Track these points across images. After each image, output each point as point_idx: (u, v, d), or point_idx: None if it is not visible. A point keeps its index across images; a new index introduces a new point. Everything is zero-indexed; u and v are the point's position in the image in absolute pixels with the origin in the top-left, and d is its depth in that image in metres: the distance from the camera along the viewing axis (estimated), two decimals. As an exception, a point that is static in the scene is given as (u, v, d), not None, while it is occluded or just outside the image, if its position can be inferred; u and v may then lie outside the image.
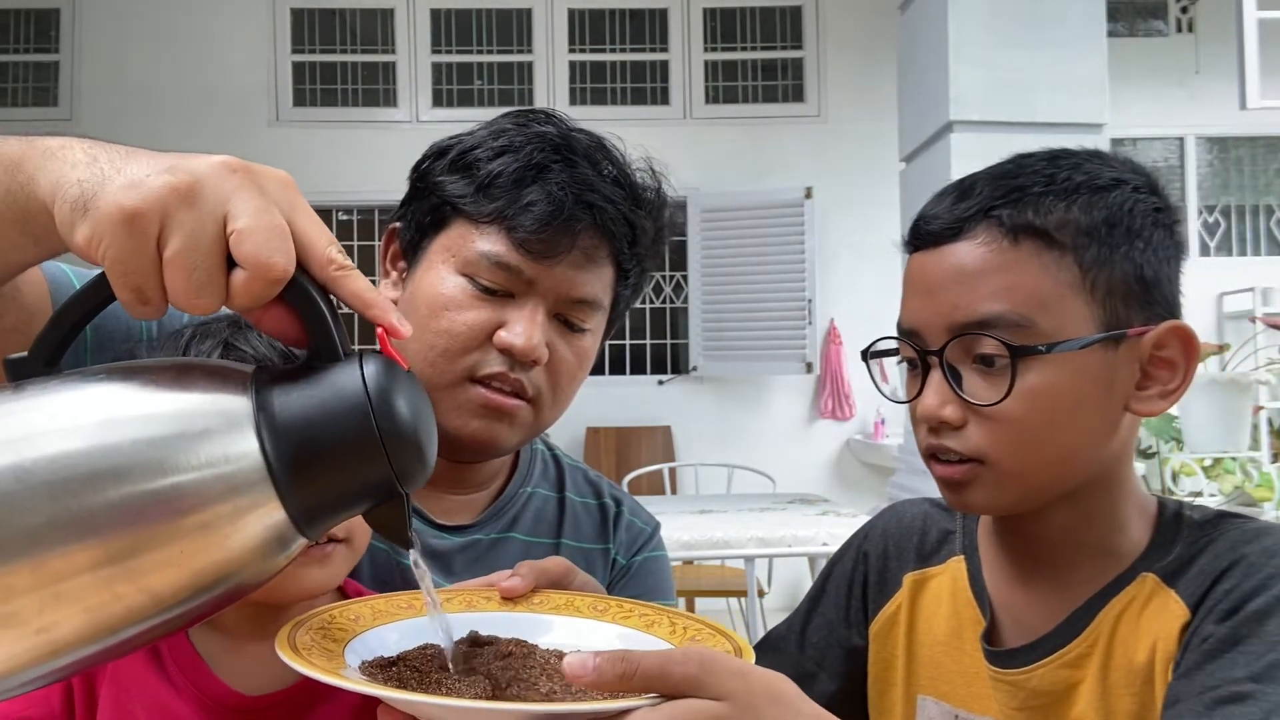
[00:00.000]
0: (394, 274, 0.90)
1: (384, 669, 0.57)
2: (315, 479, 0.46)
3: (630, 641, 0.64)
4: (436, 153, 0.87)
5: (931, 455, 0.73)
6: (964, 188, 0.74)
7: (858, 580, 0.88)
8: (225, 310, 0.74)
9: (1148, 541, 0.73)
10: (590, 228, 0.82)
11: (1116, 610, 0.71)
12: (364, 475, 0.47)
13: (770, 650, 0.90)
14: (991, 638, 0.78)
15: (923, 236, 0.74)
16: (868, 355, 0.80)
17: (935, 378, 0.71)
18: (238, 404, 0.46)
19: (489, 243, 0.81)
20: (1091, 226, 0.69)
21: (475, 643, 0.62)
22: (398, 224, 0.90)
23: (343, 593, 0.78)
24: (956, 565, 0.83)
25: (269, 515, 0.45)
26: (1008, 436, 0.69)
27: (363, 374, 0.47)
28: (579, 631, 0.66)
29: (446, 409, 0.82)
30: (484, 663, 0.59)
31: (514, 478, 0.96)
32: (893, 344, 0.78)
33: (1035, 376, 0.68)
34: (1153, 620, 0.70)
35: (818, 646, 0.88)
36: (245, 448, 0.45)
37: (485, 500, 0.94)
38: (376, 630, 0.62)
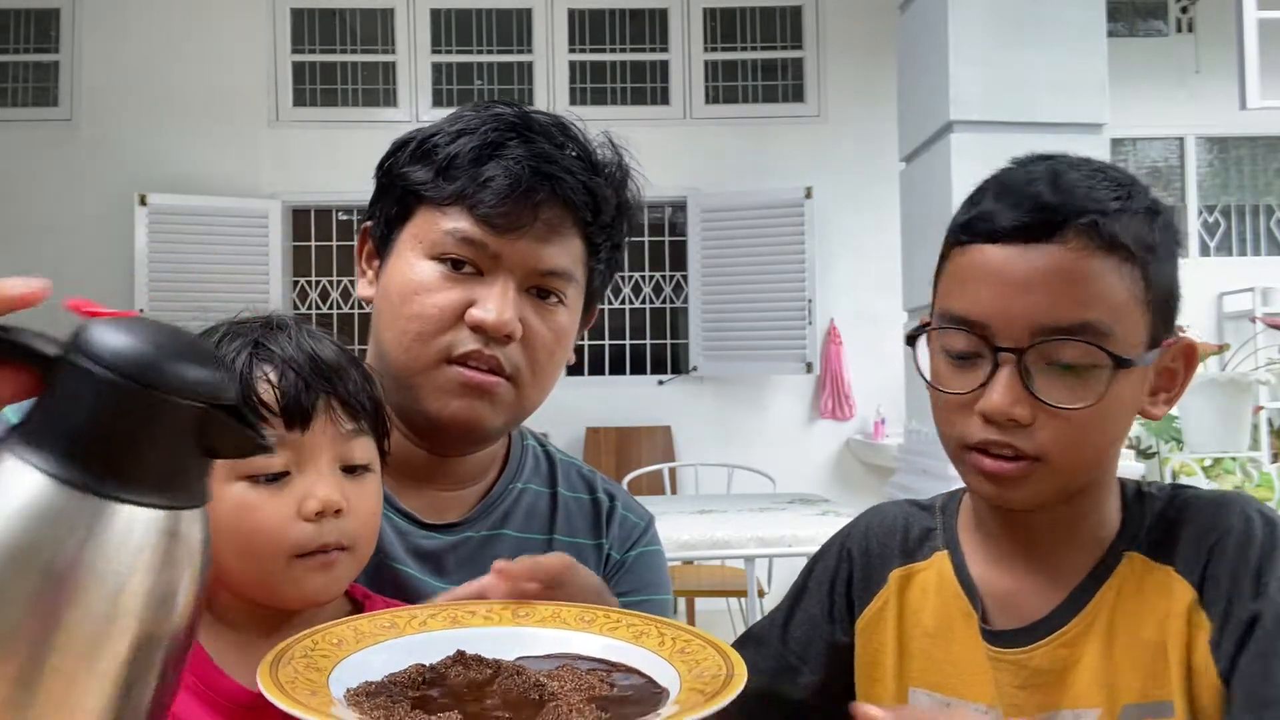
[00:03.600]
0: (370, 272, 0.91)
1: (370, 696, 0.56)
2: (129, 465, 0.43)
3: (619, 653, 0.64)
4: (398, 146, 0.88)
5: (978, 448, 0.74)
6: (1041, 187, 0.73)
7: (841, 578, 0.89)
8: (263, 309, 0.75)
9: (1119, 521, 0.79)
10: (550, 198, 0.82)
11: (1113, 591, 0.76)
12: (164, 424, 0.43)
13: (752, 644, 0.90)
14: (984, 624, 0.80)
15: (999, 231, 0.73)
16: (914, 338, 0.80)
17: (1007, 375, 0.71)
18: (13, 464, 0.42)
19: (452, 222, 0.82)
20: (1153, 244, 0.73)
21: (461, 662, 0.61)
22: (369, 223, 0.90)
23: (349, 596, 0.78)
24: (941, 560, 0.85)
25: (128, 521, 0.43)
26: (1071, 438, 0.71)
27: (74, 348, 0.43)
28: (568, 644, 0.66)
29: (426, 392, 0.82)
30: (471, 685, 0.59)
31: (504, 474, 0.95)
32: (945, 329, 0.76)
33: (1115, 384, 0.71)
34: (1155, 599, 0.74)
35: (800, 641, 0.89)
36: (50, 492, 0.42)
37: (474, 497, 0.93)
38: (361, 654, 0.61)
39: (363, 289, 0.91)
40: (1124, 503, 0.79)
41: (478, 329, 0.81)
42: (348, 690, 0.57)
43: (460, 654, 0.62)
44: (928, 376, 0.79)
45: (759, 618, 3.27)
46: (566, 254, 0.85)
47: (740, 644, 0.90)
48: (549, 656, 0.65)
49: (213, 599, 0.73)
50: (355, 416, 0.72)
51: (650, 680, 0.61)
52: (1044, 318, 0.70)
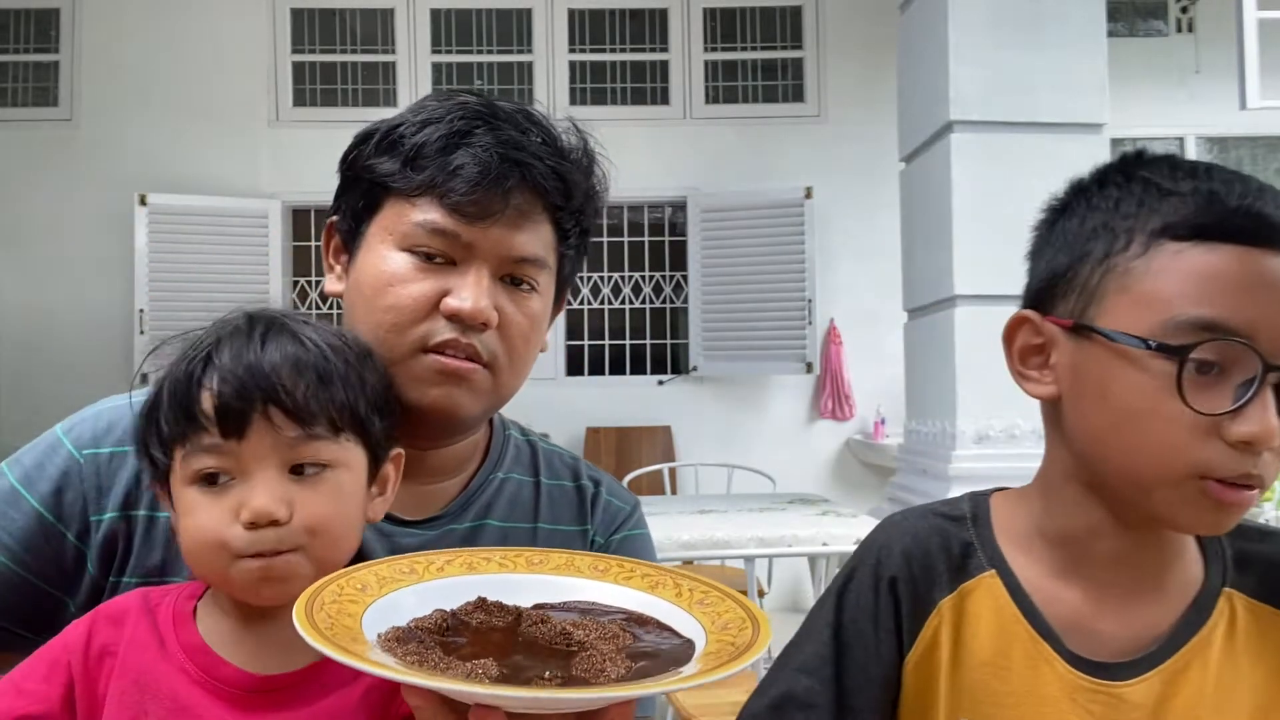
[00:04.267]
0: (338, 267, 0.90)
1: (401, 641, 0.57)
2: None
3: (637, 603, 0.64)
4: (362, 139, 0.87)
5: (1220, 478, 0.66)
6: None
7: (885, 610, 0.78)
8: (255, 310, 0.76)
9: (1196, 546, 0.76)
10: (520, 185, 0.82)
11: (1219, 629, 0.73)
12: None
13: (801, 709, 0.78)
14: (1062, 651, 0.75)
15: (1258, 230, 0.65)
16: (1186, 354, 0.65)
17: (1270, 395, 0.64)
18: None
19: (423, 213, 0.81)
20: None
21: (483, 608, 0.62)
22: (335, 218, 0.90)
23: None
24: (990, 581, 0.77)
25: None
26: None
27: None
28: (583, 592, 0.66)
29: (403, 382, 0.82)
30: (496, 632, 0.59)
31: (484, 465, 0.95)
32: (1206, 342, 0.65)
33: None
34: (1270, 642, 0.73)
35: (854, 691, 0.78)
36: None
37: (455, 489, 0.93)
38: (387, 599, 0.62)
39: (331, 284, 0.91)
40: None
41: (453, 318, 0.81)
42: (379, 635, 0.58)
43: (482, 600, 0.62)
44: (1201, 407, 0.65)
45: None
46: (538, 240, 0.85)
47: (783, 711, 0.78)
48: (566, 604, 0.65)
49: (211, 589, 0.75)
50: (306, 422, 0.70)
51: (673, 631, 0.61)
52: None
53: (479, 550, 0.70)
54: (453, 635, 0.59)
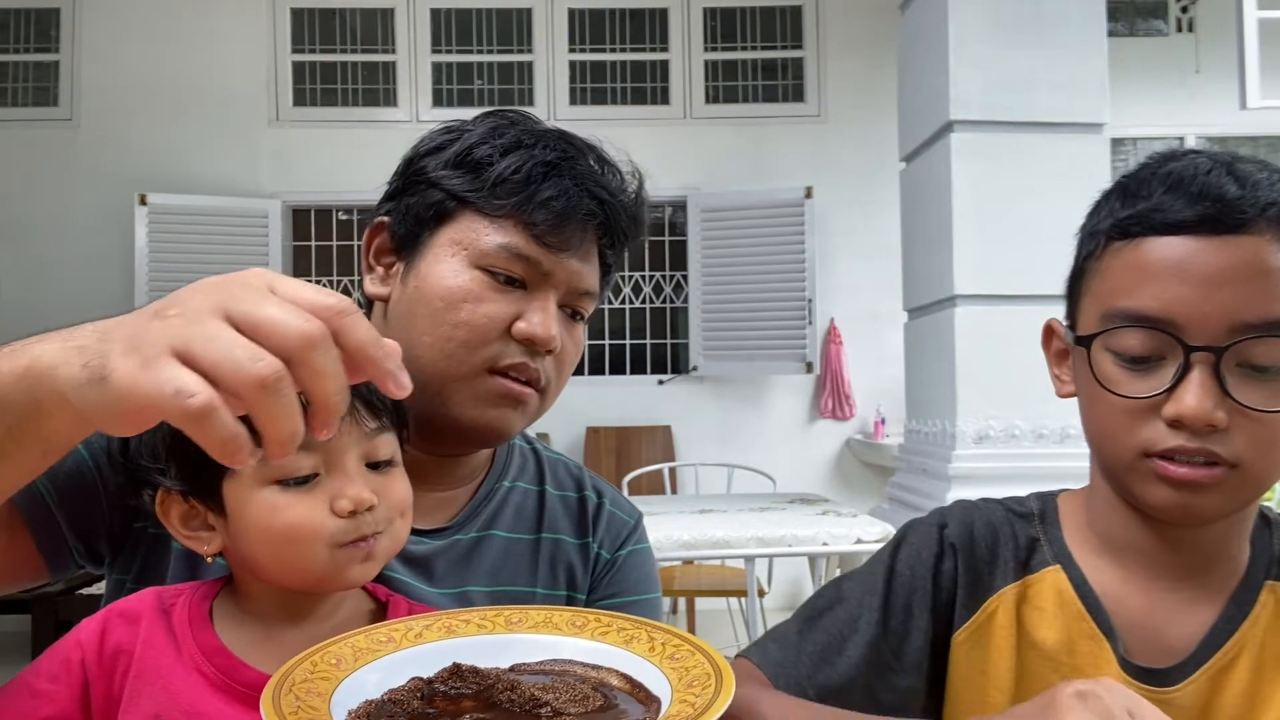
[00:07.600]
0: (380, 269, 0.90)
1: (371, 717, 0.57)
2: None
3: (610, 659, 0.64)
4: (432, 149, 0.88)
5: (1164, 455, 0.69)
6: (1220, 178, 0.68)
7: (946, 569, 0.80)
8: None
9: (1249, 545, 0.77)
10: (595, 222, 0.86)
11: (1259, 624, 0.74)
12: None
13: (863, 645, 0.79)
14: (1125, 655, 0.76)
15: (1182, 223, 0.68)
16: (1091, 340, 0.72)
17: (1203, 376, 0.66)
18: None
19: (504, 235, 0.83)
20: None
21: (457, 675, 0.61)
22: (385, 218, 0.89)
23: (372, 596, 0.79)
24: (1055, 575, 0.79)
25: None
26: (1267, 443, 0.67)
27: None
28: (560, 650, 0.66)
29: (463, 399, 0.83)
30: (467, 700, 0.59)
31: (490, 473, 0.95)
32: (1128, 330, 0.70)
33: None
34: None
35: (899, 635, 0.79)
36: None
37: (464, 498, 0.93)
38: (359, 673, 0.62)
39: (374, 287, 0.90)
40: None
41: (526, 342, 0.83)
42: (349, 712, 0.57)
43: (456, 666, 0.62)
44: (1102, 381, 0.71)
45: (759, 618, 3.22)
46: (595, 274, 0.89)
47: (838, 648, 0.79)
48: (543, 664, 0.65)
49: (240, 590, 0.75)
50: (377, 414, 0.73)
51: (644, 689, 0.61)
52: (1243, 314, 0.65)
53: (459, 613, 0.70)
54: (426, 705, 0.59)
